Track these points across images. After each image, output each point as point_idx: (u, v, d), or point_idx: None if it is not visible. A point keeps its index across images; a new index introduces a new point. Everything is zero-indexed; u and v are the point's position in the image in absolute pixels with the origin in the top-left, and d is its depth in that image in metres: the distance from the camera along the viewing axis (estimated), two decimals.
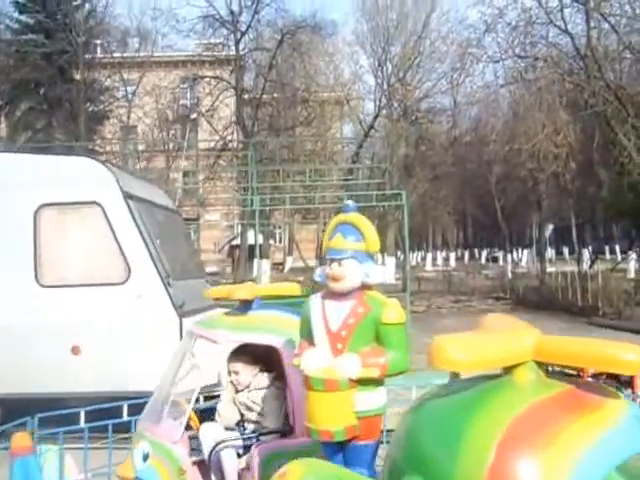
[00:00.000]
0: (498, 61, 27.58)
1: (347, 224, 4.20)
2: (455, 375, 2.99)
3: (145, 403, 7.36)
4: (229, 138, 39.14)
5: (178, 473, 4.70)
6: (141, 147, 41.57)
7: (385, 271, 4.37)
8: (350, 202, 4.32)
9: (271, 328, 4.84)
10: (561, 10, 25.24)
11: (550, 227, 37.83)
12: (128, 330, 8.47)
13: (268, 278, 34.05)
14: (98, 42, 39.20)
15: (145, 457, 4.94)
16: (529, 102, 26.03)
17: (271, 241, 47.83)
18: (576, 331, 18.03)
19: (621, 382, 9.69)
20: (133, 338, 8.41)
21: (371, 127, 39.90)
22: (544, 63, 25.72)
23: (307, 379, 3.97)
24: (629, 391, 9.37)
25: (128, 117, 40.52)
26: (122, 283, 8.68)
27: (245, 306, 5.06)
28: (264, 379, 5.02)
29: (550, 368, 8.64)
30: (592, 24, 24.68)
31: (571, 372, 9.80)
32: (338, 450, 4.05)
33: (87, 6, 37.84)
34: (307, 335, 4.19)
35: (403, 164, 38.13)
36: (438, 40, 39.21)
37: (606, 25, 25.11)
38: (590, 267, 30.86)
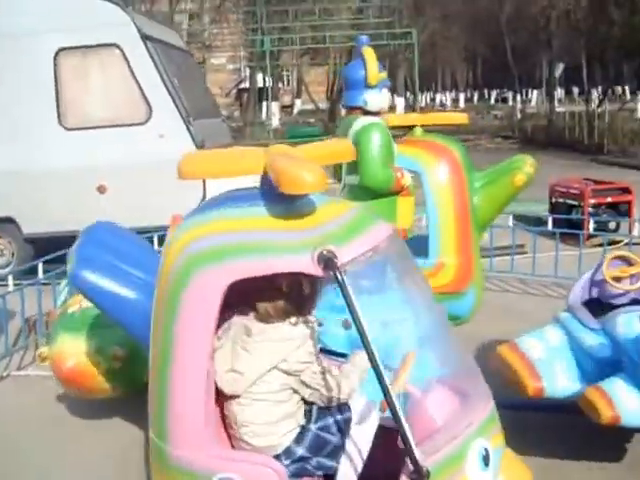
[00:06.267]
0: None
1: None
2: None
3: None
4: None
5: None
6: None
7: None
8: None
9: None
10: None
11: (561, 66, 37.41)
12: (151, 169, 8.84)
13: (277, 120, 34.19)
14: None
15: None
16: None
17: (279, 84, 47.48)
18: (578, 168, 18.39)
19: (620, 212, 10.19)
20: (156, 176, 8.79)
21: None
22: None
23: None
24: (627, 219, 9.88)
25: None
26: (144, 123, 8.99)
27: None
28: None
29: (554, 199, 9.02)
30: None
31: (574, 203, 10.28)
32: None
33: None
34: None
35: (413, 3, 37.39)
36: None
37: None
38: (598, 106, 30.81)
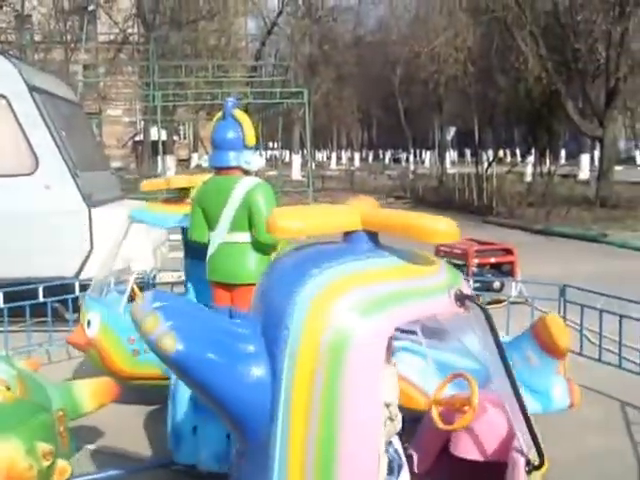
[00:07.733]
0: None
1: None
2: None
3: (58, 286, 7.71)
4: (129, 31, 38.14)
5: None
6: (38, 38, 40.06)
7: None
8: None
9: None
10: None
11: (452, 130, 38.63)
12: (38, 220, 8.65)
13: (173, 174, 34.00)
14: None
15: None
16: (431, 4, 26.23)
17: (175, 137, 47.37)
18: (470, 228, 18.86)
19: (503, 272, 10.49)
20: (43, 227, 8.61)
21: (274, 24, 39.46)
22: None
23: None
24: (510, 278, 10.17)
25: (22, 6, 38.65)
26: (30, 174, 8.79)
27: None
28: None
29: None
30: None
31: (458, 262, 10.52)
32: None
33: None
34: None
35: (307, 63, 38.11)
36: None
37: None
38: (487, 169, 31.78)
